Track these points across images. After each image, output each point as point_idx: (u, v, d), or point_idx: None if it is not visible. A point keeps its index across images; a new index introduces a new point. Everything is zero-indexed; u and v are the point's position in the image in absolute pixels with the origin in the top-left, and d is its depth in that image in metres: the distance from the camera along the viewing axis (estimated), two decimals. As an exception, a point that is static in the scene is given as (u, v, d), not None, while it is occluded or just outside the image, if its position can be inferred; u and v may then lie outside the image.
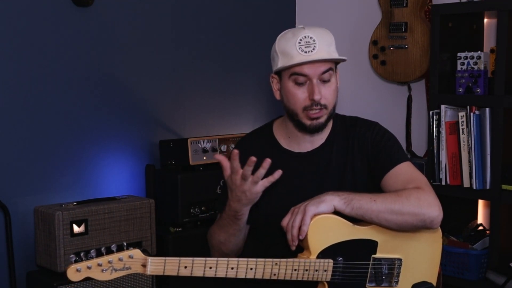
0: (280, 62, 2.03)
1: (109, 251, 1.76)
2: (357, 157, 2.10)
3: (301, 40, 1.99)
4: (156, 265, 1.79)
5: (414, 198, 1.92)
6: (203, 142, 3.29)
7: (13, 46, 2.96)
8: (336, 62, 2.07)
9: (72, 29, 3.12)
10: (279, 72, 2.07)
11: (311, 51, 1.98)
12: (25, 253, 2.99)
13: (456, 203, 3.13)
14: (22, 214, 2.98)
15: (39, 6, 3.01)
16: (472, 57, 3.06)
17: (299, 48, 1.99)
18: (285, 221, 1.91)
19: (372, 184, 2.08)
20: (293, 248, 1.90)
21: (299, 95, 2.02)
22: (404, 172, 2.03)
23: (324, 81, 2.02)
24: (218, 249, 2.11)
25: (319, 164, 2.10)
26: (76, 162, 3.17)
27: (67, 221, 2.79)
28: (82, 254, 1.75)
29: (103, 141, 3.26)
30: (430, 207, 1.93)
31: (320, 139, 2.12)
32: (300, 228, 1.87)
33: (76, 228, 2.81)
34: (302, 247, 1.92)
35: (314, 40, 1.99)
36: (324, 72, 2.01)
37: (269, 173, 1.96)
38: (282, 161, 2.08)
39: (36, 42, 3.02)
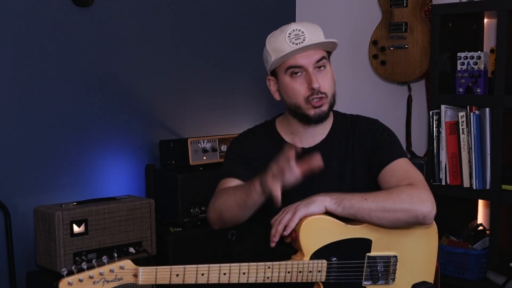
0: (273, 59, 2.04)
1: (100, 263, 1.77)
2: (357, 153, 2.11)
3: (290, 33, 2.02)
4: (148, 275, 1.79)
5: (405, 194, 1.93)
6: (203, 142, 3.29)
7: (13, 46, 2.96)
8: (328, 52, 2.09)
9: (72, 29, 3.12)
10: (274, 72, 2.09)
11: (302, 41, 2.00)
12: (25, 253, 2.99)
13: (456, 203, 3.13)
14: (22, 214, 2.98)
15: (39, 6, 3.01)
16: (472, 57, 3.06)
17: (289, 41, 2.01)
18: (273, 218, 1.92)
19: (371, 180, 2.08)
20: (273, 244, 1.88)
21: (298, 87, 2.03)
22: (401, 168, 2.04)
23: (320, 70, 2.04)
24: (218, 214, 2.06)
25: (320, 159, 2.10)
26: (76, 162, 3.17)
27: (67, 221, 2.79)
28: (74, 268, 1.75)
29: (103, 141, 3.26)
30: (422, 203, 1.93)
31: (321, 134, 2.13)
32: (287, 226, 1.87)
33: (76, 228, 2.81)
34: (295, 248, 1.92)
35: (303, 32, 2.02)
36: (318, 60, 2.03)
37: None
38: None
39: (36, 42, 3.02)
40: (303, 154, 2.09)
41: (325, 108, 2.05)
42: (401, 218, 1.92)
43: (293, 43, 2.00)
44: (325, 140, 2.14)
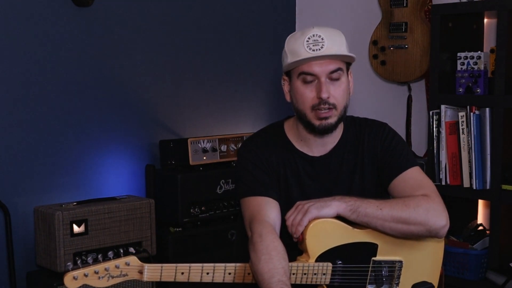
0: (289, 61, 1.99)
1: (106, 258, 1.77)
2: (366, 158, 2.08)
3: (309, 38, 1.95)
4: (153, 272, 1.79)
5: (422, 208, 1.91)
6: (203, 142, 3.29)
7: (13, 46, 2.96)
8: (347, 62, 2.02)
9: (72, 29, 3.12)
10: (289, 73, 2.03)
11: (319, 49, 1.93)
12: (25, 253, 2.99)
13: (456, 203, 3.13)
14: (22, 214, 2.98)
15: (39, 6, 3.01)
16: (472, 57, 3.06)
17: (307, 46, 1.94)
18: (287, 215, 1.92)
19: (380, 187, 2.07)
20: (295, 239, 1.91)
21: (307, 94, 1.97)
22: (413, 177, 2.02)
23: (333, 80, 1.97)
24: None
25: (331, 168, 2.08)
26: (76, 162, 3.17)
27: (67, 221, 2.79)
28: (79, 262, 1.76)
29: (103, 141, 3.26)
30: (438, 217, 1.92)
31: (332, 142, 2.08)
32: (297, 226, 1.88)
33: (76, 228, 2.81)
34: (301, 249, 1.92)
35: (322, 39, 1.94)
36: (333, 71, 1.96)
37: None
38: (297, 163, 2.07)
39: (36, 42, 3.02)
40: (314, 162, 2.08)
41: (332, 120, 1.98)
42: (414, 231, 1.92)
43: (310, 48, 1.94)
44: (336, 147, 2.09)
